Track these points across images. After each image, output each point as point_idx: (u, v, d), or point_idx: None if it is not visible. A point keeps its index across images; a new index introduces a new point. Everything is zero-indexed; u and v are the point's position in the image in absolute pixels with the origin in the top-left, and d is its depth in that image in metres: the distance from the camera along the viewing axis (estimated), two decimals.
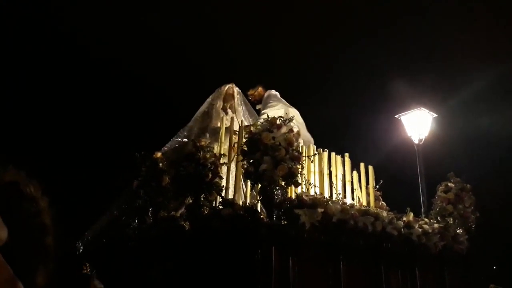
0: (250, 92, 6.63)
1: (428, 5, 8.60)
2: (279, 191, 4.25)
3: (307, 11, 9.12)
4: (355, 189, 5.64)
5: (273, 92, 6.40)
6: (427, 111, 7.51)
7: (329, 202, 4.30)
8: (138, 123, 9.14)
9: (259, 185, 4.33)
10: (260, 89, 6.59)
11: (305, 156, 4.67)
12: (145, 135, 8.45)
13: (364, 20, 8.97)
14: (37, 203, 1.24)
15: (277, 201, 4.22)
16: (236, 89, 6.54)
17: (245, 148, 4.41)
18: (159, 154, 5.60)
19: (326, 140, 6.24)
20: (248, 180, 4.59)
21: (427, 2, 8.63)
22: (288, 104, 6.08)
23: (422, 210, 6.36)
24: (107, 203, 6.09)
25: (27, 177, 1.26)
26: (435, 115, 7.55)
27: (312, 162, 4.86)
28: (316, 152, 4.99)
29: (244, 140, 4.67)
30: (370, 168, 5.90)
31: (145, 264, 4.88)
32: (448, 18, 8.72)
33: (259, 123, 4.68)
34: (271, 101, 6.16)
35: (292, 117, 4.54)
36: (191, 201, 4.82)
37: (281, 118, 4.47)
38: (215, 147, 5.85)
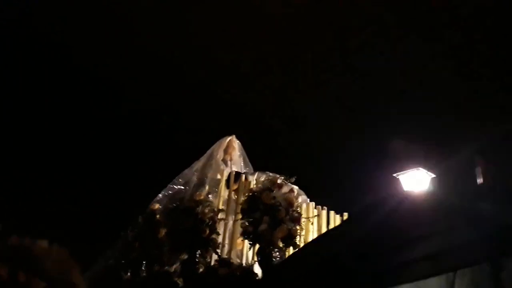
0: None
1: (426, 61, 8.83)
2: (277, 253, 4.19)
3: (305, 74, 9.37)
4: None
5: None
6: (425, 171, 7.53)
7: None
8: (134, 168, 9.12)
9: (257, 245, 4.28)
10: None
11: (305, 218, 4.63)
12: (140, 180, 8.40)
13: (362, 77, 9.19)
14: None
15: (275, 263, 4.15)
16: (237, 142, 6.60)
17: (245, 207, 4.38)
18: (156, 206, 5.56)
19: (323, 196, 6.23)
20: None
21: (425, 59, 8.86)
22: None
23: None
24: (102, 250, 5.99)
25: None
26: (434, 176, 7.57)
27: (312, 224, 4.81)
28: (316, 214, 4.95)
29: (243, 196, 4.66)
30: None
31: None
32: (450, 75, 8.92)
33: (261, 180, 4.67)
34: None
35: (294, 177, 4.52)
36: (186, 256, 4.74)
37: (282, 177, 4.48)
38: (213, 197, 5.84)
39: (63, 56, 9.05)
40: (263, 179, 4.63)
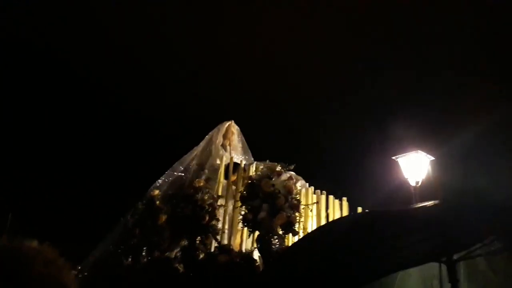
0: None
1: (429, 50, 8.77)
2: (276, 240, 4.21)
3: (304, 48, 9.26)
4: None
5: None
6: (424, 153, 7.54)
7: None
8: (133, 155, 9.12)
9: (257, 233, 4.30)
10: None
11: (304, 205, 4.64)
12: (140, 167, 8.41)
13: (362, 60, 9.10)
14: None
15: (275, 250, 4.18)
16: (235, 127, 6.57)
17: (244, 194, 4.39)
18: (156, 192, 5.56)
19: (323, 179, 6.25)
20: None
21: (427, 47, 8.80)
22: None
23: None
24: (101, 236, 6.02)
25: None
26: (432, 158, 7.59)
27: (311, 211, 4.83)
28: (316, 201, 4.96)
29: (242, 183, 4.67)
30: None
31: None
32: (449, 61, 8.87)
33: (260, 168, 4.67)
34: None
35: (293, 165, 4.52)
36: (186, 243, 4.77)
37: (281, 165, 4.48)
38: (213, 183, 5.85)
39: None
40: (262, 167, 4.63)
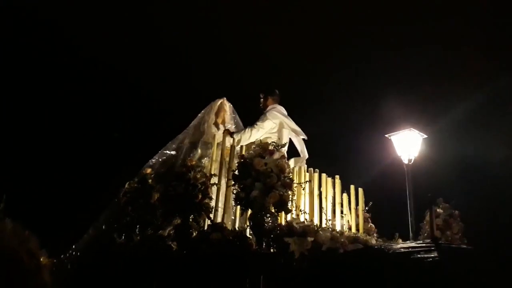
0: (262, 96, 6.23)
1: (418, 27, 8.67)
2: (269, 218, 4.22)
3: (299, 30, 9.14)
4: (344, 214, 5.64)
5: (276, 110, 5.97)
6: (417, 131, 7.53)
7: (319, 230, 4.28)
8: (127, 133, 9.03)
9: (249, 211, 4.31)
10: (270, 100, 6.20)
11: (297, 183, 4.64)
12: (133, 146, 8.35)
13: (355, 39, 9.00)
14: (37, 260, 1.22)
15: (267, 228, 4.19)
16: (228, 104, 6.51)
17: (237, 173, 4.37)
18: (148, 170, 5.54)
19: (315, 157, 6.25)
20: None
21: (417, 24, 8.70)
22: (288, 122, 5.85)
23: (410, 234, 6.38)
24: (94, 215, 6.02)
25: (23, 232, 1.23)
26: (425, 136, 7.59)
27: (303, 189, 4.83)
28: (308, 180, 4.96)
29: (235, 161, 4.65)
30: (360, 190, 5.92)
31: (132, 283, 4.81)
32: (438, 38, 8.80)
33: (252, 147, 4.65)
34: (265, 117, 5.91)
35: (284, 144, 4.50)
36: (179, 221, 4.77)
37: (274, 144, 4.45)
38: (206, 161, 5.84)
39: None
40: (254, 146, 4.60)
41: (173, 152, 6.20)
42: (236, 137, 5.64)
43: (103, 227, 5.61)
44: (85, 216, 6.30)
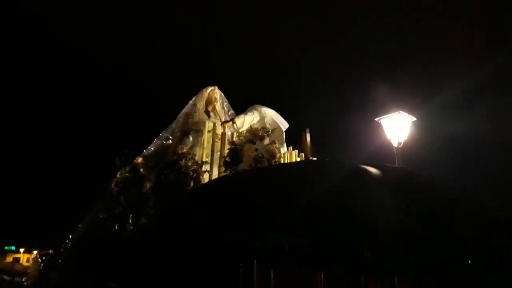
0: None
1: (408, 11, 8.67)
2: None
3: (289, 20, 9.11)
4: None
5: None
6: (406, 114, 7.61)
7: None
8: (120, 124, 9.00)
9: None
10: None
11: None
12: (127, 136, 8.33)
13: (345, 25, 8.99)
14: None
15: None
16: (218, 92, 6.50)
17: (227, 159, 4.40)
18: (140, 160, 5.54)
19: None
20: None
21: (407, 8, 8.70)
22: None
23: None
24: (87, 206, 6.04)
25: None
26: (414, 119, 7.66)
27: None
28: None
29: (226, 148, 4.67)
30: None
31: (127, 271, 4.85)
32: (427, 23, 8.82)
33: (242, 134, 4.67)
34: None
35: (274, 129, 4.53)
36: None
37: (264, 129, 4.48)
38: (197, 149, 5.84)
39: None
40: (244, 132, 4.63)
41: (170, 142, 6.19)
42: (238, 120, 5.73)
43: (98, 216, 5.63)
44: (80, 207, 6.31)
